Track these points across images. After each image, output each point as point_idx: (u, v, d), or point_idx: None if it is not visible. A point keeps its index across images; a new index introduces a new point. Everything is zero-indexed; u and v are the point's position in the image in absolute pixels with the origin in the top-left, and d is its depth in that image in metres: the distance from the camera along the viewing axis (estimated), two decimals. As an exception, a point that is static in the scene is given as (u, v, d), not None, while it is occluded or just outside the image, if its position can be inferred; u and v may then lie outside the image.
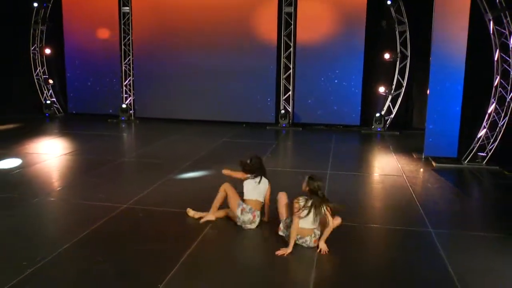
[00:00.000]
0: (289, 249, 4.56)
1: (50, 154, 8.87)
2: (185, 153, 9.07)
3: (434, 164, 8.54)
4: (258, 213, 5.22)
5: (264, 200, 5.32)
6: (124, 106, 13.31)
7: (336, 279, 4.18)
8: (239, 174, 5.38)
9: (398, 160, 8.94)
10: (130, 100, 13.55)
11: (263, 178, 5.30)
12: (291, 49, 12.46)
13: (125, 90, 13.53)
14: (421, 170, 8.28)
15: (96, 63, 13.46)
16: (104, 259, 4.46)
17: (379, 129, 12.11)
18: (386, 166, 8.56)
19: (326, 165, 8.33)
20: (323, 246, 4.63)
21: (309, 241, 4.67)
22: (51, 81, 14.11)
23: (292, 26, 12.34)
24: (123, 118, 13.26)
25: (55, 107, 14.07)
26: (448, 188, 7.31)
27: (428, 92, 8.79)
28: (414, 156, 9.22)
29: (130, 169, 7.99)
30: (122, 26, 13.22)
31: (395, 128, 12.18)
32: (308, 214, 4.58)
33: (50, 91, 14.13)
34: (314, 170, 7.92)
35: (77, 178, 7.23)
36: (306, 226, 4.63)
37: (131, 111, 13.44)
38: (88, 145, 9.81)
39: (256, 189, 5.25)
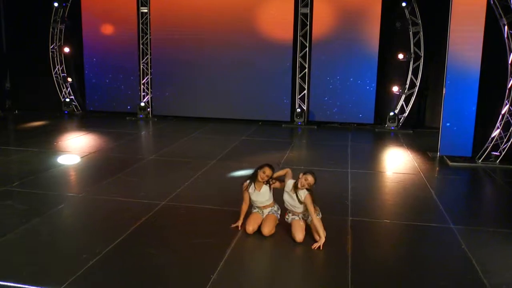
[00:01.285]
0: (322, 239, 5.05)
1: (79, 152, 9.36)
2: (209, 151, 9.57)
3: (449, 163, 9.01)
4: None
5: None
6: (142, 104, 13.77)
7: (371, 274, 4.65)
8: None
9: (414, 159, 9.41)
10: (147, 98, 14.02)
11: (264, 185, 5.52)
12: (307, 49, 12.90)
13: (143, 88, 14.00)
14: (437, 169, 8.76)
15: (114, 62, 13.92)
16: (156, 251, 4.96)
17: (392, 128, 12.58)
18: (403, 164, 9.03)
19: (346, 164, 8.80)
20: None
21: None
22: (69, 79, 14.58)
23: (308, 27, 12.77)
24: (141, 116, 13.74)
25: (74, 104, 14.55)
26: (464, 186, 7.81)
27: (444, 92, 9.24)
28: (429, 155, 9.69)
29: (160, 167, 8.46)
30: (141, 25, 13.67)
31: (408, 127, 12.64)
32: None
33: (69, 89, 14.59)
34: (335, 169, 8.45)
35: (113, 176, 7.71)
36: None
37: (148, 109, 13.91)
38: (114, 144, 10.30)
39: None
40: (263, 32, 12.99)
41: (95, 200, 6.58)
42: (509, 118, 8.80)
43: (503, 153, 8.89)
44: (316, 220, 5.10)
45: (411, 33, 12.31)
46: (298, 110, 13.01)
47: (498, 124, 8.98)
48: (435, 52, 12.22)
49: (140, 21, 13.67)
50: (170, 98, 13.80)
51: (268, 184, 5.47)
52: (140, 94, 14.01)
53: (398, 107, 12.83)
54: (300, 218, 5.34)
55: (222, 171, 8.14)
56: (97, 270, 4.53)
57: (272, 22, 12.91)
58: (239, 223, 5.56)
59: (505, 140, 8.89)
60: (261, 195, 5.47)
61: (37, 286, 4.18)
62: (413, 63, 12.49)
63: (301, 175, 5.21)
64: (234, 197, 6.32)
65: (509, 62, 8.71)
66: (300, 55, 13.01)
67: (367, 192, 7.23)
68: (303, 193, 5.17)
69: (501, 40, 8.69)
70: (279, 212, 5.56)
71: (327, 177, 7.87)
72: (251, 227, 5.38)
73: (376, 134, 12.26)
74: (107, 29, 13.82)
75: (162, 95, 13.85)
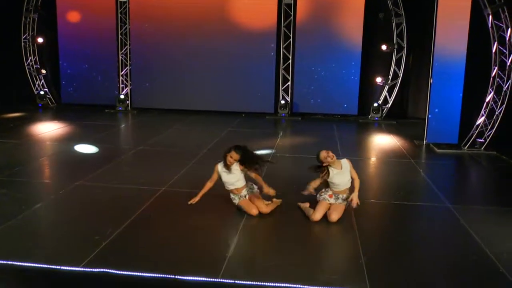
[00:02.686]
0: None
1: (63, 143, 9.41)
2: (197, 142, 9.78)
3: (436, 150, 9.52)
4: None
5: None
6: (122, 96, 13.83)
7: (379, 248, 5.01)
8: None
9: (401, 146, 9.89)
10: (127, 90, 14.08)
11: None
12: (290, 39, 13.25)
13: (122, 80, 14.05)
14: (426, 155, 9.26)
15: (91, 53, 13.91)
16: (168, 232, 5.18)
17: (376, 118, 13.08)
18: (391, 152, 9.49)
19: (337, 151, 9.17)
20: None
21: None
22: (43, 71, 14.46)
23: (292, 17, 13.12)
24: (120, 109, 13.79)
25: (48, 97, 14.45)
26: (454, 170, 8.37)
27: (430, 81, 9.74)
28: (416, 143, 10.19)
29: (151, 157, 8.62)
30: (119, 15, 13.71)
31: (391, 118, 13.15)
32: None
33: (42, 81, 14.49)
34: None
35: (105, 166, 7.84)
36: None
37: (127, 102, 13.97)
38: (97, 135, 10.36)
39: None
40: (246, 22, 13.26)
41: (93, 187, 6.72)
42: (493, 106, 9.38)
43: (487, 140, 9.45)
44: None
45: (394, 24, 12.83)
46: (282, 101, 13.35)
47: (482, 111, 9.55)
48: (418, 43, 12.78)
49: (119, 11, 13.71)
50: (150, 90, 13.90)
51: (241, 165, 5.73)
52: (119, 86, 14.06)
53: (382, 98, 13.34)
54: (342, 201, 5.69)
55: (216, 159, 8.36)
56: (112, 249, 4.72)
57: (255, 12, 13.20)
58: (195, 199, 5.85)
59: (489, 127, 9.46)
60: (231, 175, 5.73)
61: (56, 265, 4.34)
62: (396, 54, 13.02)
63: (324, 155, 5.60)
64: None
65: (493, 51, 9.28)
66: (284, 46, 13.35)
67: (361, 176, 7.59)
68: (344, 164, 5.66)
69: (486, 30, 9.25)
70: (256, 188, 5.88)
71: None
72: (254, 211, 5.69)
73: (361, 124, 12.72)
74: (84, 19, 13.79)
75: (142, 87, 13.93)
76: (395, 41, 12.92)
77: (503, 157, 9.03)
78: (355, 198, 5.52)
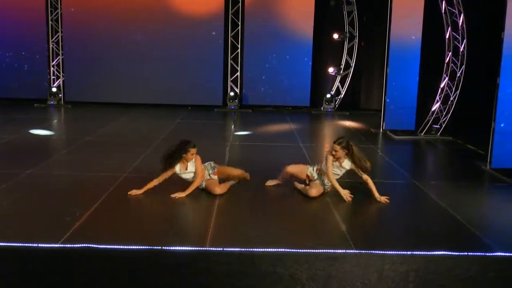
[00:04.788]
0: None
1: (2, 135, 9.37)
2: (148, 133, 10.06)
3: (394, 136, 10.37)
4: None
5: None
6: (54, 89, 13.73)
7: (360, 222, 5.60)
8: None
9: (359, 134, 10.67)
10: (59, 82, 14.00)
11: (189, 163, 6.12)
12: (239, 28, 13.78)
13: (53, 71, 13.96)
14: (384, 141, 10.10)
15: (16, 40, 13.72)
16: (143, 209, 5.51)
17: (329, 110, 13.86)
18: (353, 139, 10.18)
19: (296, 140, 9.80)
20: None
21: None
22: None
23: (240, 4, 13.66)
24: (52, 103, 13.67)
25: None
26: (413, 154, 9.29)
27: (386, 70, 10.59)
28: (373, 131, 11.02)
29: (103, 147, 8.79)
30: (49, -2, 13.66)
31: (344, 109, 13.99)
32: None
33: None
34: (288, 144, 9.41)
35: (55, 155, 7.96)
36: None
37: (60, 95, 13.88)
38: (36, 128, 10.31)
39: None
40: (190, 9, 13.64)
41: (48, 175, 6.86)
42: (448, 92, 10.36)
43: (443, 126, 10.42)
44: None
45: (345, 12, 13.70)
46: (231, 93, 13.82)
47: (437, 97, 10.51)
48: (369, 32, 13.73)
49: (49, -6, 13.67)
50: (86, 82, 13.89)
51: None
52: (50, 78, 13.96)
53: (334, 88, 14.16)
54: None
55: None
56: (90, 226, 4.98)
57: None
58: (138, 192, 6.03)
59: (444, 113, 10.44)
60: (190, 173, 6.12)
61: (34, 243, 4.55)
62: (348, 43, 13.90)
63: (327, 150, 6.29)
64: None
65: (447, 37, 10.27)
66: (232, 34, 13.85)
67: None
68: (347, 164, 6.12)
69: (440, 16, 10.22)
70: (212, 165, 6.31)
71: (283, 151, 8.82)
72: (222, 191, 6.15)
73: (314, 116, 13.45)
74: (7, 1, 13.58)
75: (76, 79, 13.90)
76: (346, 29, 13.80)
77: (458, 141, 10.01)
78: (382, 198, 5.99)
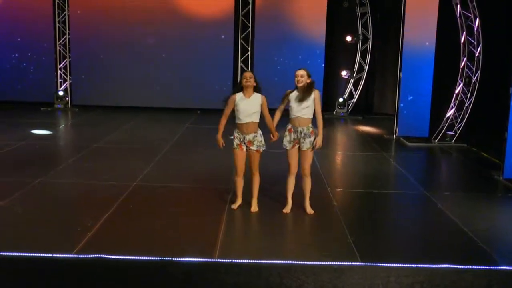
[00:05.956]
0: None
1: (4, 141, 9.77)
2: (157, 139, 10.44)
3: (407, 143, 10.65)
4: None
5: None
6: (61, 93, 14.16)
7: (367, 233, 5.90)
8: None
9: (372, 141, 10.96)
10: (66, 85, 14.43)
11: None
12: (249, 29, 14.11)
13: (60, 74, 14.40)
14: (397, 148, 10.39)
15: (23, 43, 14.18)
16: (153, 220, 5.86)
17: (342, 114, 14.16)
18: (363, 146, 10.57)
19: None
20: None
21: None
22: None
23: (250, 6, 13.99)
24: (59, 106, 14.11)
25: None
26: (426, 162, 9.59)
27: (399, 75, 10.88)
28: (385, 137, 11.31)
29: (112, 154, 9.18)
30: (56, 0, 14.07)
31: (357, 113, 14.27)
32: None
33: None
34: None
35: (64, 163, 8.36)
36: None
37: (67, 98, 14.31)
38: (43, 134, 10.76)
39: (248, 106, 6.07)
40: (199, 11, 14.01)
41: (58, 184, 7.26)
42: (463, 97, 10.62)
43: (457, 133, 10.68)
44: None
45: (358, 14, 13.99)
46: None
47: (452, 103, 10.77)
48: (383, 34, 14.00)
49: (56, -4, 14.11)
50: (93, 85, 14.32)
51: (259, 94, 6.13)
52: (57, 81, 14.40)
53: (347, 92, 14.45)
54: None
55: (182, 155, 9.12)
56: (102, 237, 5.35)
57: (210, 0, 13.97)
58: (219, 136, 6.20)
59: (459, 120, 10.70)
60: (251, 102, 6.05)
61: (48, 253, 4.91)
62: (361, 46, 14.18)
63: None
64: (205, 175, 7.63)
65: (462, 41, 10.53)
66: (242, 36, 14.19)
67: (337, 168, 8.61)
68: (312, 93, 6.10)
69: (454, 20, 10.49)
70: (263, 142, 6.28)
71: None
72: (239, 169, 6.25)
73: (327, 120, 13.62)
74: (15, 4, 14.03)
75: (83, 82, 14.34)
76: (360, 31, 14.08)
77: (472, 149, 10.26)
78: (319, 142, 6.07)
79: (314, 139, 6.11)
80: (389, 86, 14.10)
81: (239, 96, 6.12)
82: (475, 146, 10.34)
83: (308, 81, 6.18)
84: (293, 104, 6.16)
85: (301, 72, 6.20)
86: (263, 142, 6.26)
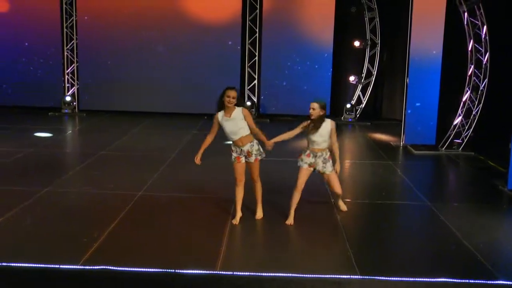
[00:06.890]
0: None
1: (12, 148, 10.06)
2: (163, 146, 10.71)
3: (413, 151, 10.82)
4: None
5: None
6: (68, 98, 14.46)
7: (367, 246, 6.11)
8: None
9: (379, 149, 11.15)
10: (73, 90, 14.74)
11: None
12: (257, 35, 14.33)
13: (68, 79, 14.71)
14: (403, 157, 10.57)
15: (31, 48, 14.50)
16: (157, 231, 6.10)
17: (350, 120, 14.34)
18: (369, 154, 10.77)
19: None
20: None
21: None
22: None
23: (258, 11, 14.21)
24: (66, 111, 14.42)
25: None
26: (432, 171, 9.77)
27: (406, 81, 11.05)
28: (392, 145, 11.49)
29: (119, 161, 9.46)
30: (64, 5, 14.37)
31: (365, 119, 14.45)
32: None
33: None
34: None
35: (71, 171, 8.63)
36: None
37: (74, 103, 14.61)
38: (49, 140, 11.06)
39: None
40: (207, 16, 14.25)
41: (65, 193, 7.52)
42: (470, 105, 10.77)
43: (465, 141, 10.84)
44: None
45: (366, 19, 14.16)
46: (248, 102, 14.39)
47: (459, 111, 10.93)
48: (391, 39, 14.17)
49: (64, 1, 14.37)
50: (100, 90, 14.61)
51: (239, 108, 6.12)
52: (65, 86, 14.71)
53: (355, 97, 14.63)
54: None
55: (189, 163, 9.27)
56: (107, 248, 5.60)
57: (217, 4, 14.21)
58: (198, 157, 6.48)
59: (466, 128, 10.85)
60: (233, 121, 6.11)
61: (54, 264, 5.17)
62: (370, 51, 14.35)
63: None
64: (210, 185, 7.84)
65: (469, 49, 10.69)
66: (249, 41, 14.42)
67: (341, 178, 8.70)
68: (326, 123, 6.33)
69: (462, 27, 10.65)
70: (261, 150, 6.44)
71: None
72: (239, 180, 6.44)
73: (334, 126, 13.92)
74: (22, 9, 14.35)
75: (91, 87, 14.64)
76: (368, 37, 14.25)
77: (480, 157, 10.41)
78: (337, 168, 6.53)
79: (334, 164, 6.53)
80: (397, 91, 14.22)
81: (220, 115, 6.22)
82: (483, 155, 10.48)
83: (321, 113, 6.33)
84: (309, 136, 6.46)
85: (314, 105, 6.32)
86: (261, 149, 6.45)
